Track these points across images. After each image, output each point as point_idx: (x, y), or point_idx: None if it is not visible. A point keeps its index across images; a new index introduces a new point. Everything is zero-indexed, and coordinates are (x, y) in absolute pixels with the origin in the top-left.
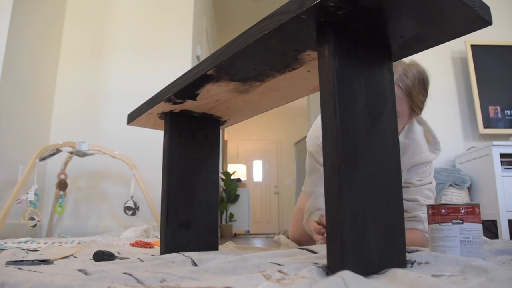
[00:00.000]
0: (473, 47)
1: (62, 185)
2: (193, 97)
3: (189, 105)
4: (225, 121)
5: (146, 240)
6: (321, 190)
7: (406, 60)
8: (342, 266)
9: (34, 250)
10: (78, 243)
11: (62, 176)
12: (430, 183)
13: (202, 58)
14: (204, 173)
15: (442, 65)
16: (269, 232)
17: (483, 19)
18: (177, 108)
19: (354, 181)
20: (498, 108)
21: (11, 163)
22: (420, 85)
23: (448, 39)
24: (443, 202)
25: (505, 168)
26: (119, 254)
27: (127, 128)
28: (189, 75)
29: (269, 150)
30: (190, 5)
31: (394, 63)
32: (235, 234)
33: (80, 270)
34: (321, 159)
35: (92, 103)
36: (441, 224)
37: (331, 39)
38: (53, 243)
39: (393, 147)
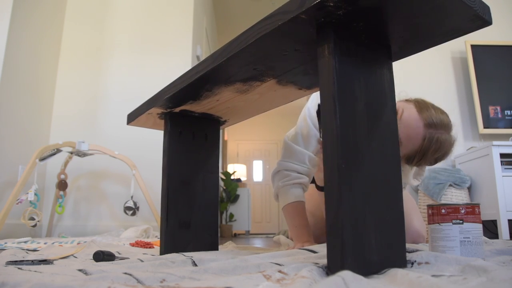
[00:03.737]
0: (473, 47)
1: (62, 185)
2: (193, 97)
3: (189, 105)
4: (225, 121)
5: (146, 240)
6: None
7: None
8: (342, 266)
9: (34, 250)
10: (78, 243)
11: (62, 176)
12: None
13: (202, 58)
14: (204, 173)
15: (442, 65)
16: (269, 232)
17: (483, 19)
18: (177, 108)
19: (354, 181)
20: (498, 108)
21: (11, 163)
22: (438, 155)
23: (448, 39)
24: (443, 202)
25: (505, 168)
26: (119, 254)
27: (127, 128)
28: (189, 75)
29: (269, 150)
30: (190, 5)
31: (441, 110)
32: (235, 234)
33: (80, 270)
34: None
35: (92, 103)
36: (441, 224)
37: (331, 39)
38: (53, 243)
39: (393, 147)
